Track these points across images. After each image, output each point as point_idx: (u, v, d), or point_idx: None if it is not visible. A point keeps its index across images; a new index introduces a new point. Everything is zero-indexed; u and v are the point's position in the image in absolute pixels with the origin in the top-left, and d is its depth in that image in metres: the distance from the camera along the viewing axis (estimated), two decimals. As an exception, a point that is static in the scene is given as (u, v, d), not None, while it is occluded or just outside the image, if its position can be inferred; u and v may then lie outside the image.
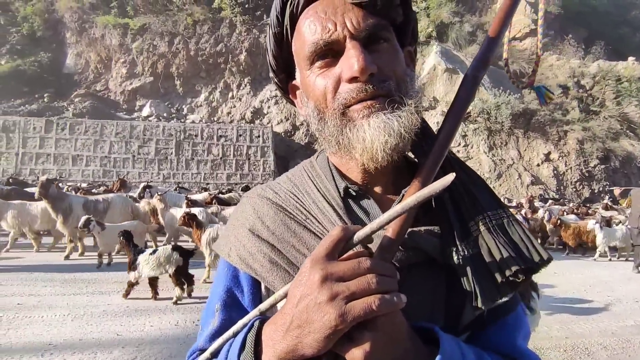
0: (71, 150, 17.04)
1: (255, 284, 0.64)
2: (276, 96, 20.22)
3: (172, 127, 17.96)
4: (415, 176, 0.57)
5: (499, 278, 0.52)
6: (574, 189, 18.25)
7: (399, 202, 0.60)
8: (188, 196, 9.63)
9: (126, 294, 4.83)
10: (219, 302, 0.65)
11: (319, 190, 0.65)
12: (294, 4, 0.62)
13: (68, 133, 17.16)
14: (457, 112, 0.59)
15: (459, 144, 18.45)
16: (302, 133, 19.55)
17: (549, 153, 18.67)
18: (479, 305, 0.53)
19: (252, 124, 19.36)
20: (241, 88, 20.70)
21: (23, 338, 3.68)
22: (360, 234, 0.48)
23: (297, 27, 0.62)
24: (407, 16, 0.64)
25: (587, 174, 18.43)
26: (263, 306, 0.55)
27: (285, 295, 0.51)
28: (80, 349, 3.51)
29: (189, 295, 4.91)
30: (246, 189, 10.83)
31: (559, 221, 8.74)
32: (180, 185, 15.20)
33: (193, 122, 19.27)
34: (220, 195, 11.02)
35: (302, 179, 0.69)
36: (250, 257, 0.62)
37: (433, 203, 0.60)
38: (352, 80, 0.56)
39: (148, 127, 17.86)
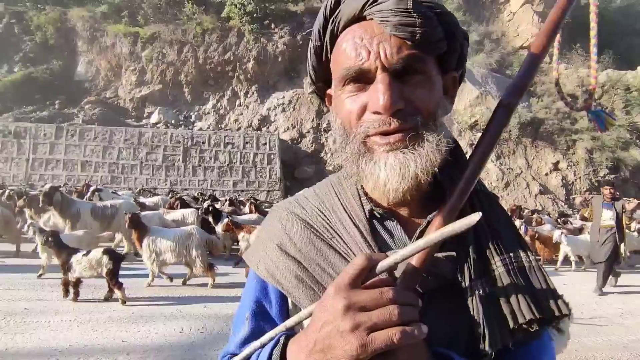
0: (80, 157, 17.25)
1: (282, 297, 0.66)
2: (283, 104, 20.35)
3: (179, 134, 18.12)
4: (442, 207, 0.56)
5: (511, 324, 0.52)
6: (583, 199, 18.02)
7: (423, 229, 0.60)
8: (138, 199, 9.68)
9: (65, 293, 4.97)
10: (248, 311, 0.68)
11: (345, 209, 0.66)
12: (336, 23, 0.62)
13: (78, 139, 17.39)
14: (487, 144, 0.56)
15: (466, 153, 18.27)
16: (309, 141, 19.61)
17: (558, 162, 18.51)
18: (486, 347, 0.52)
19: (258, 132, 19.47)
20: (248, 96, 20.88)
21: (30, 343, 3.70)
22: (383, 264, 0.49)
23: (336, 45, 0.63)
24: (450, 45, 0.61)
25: (596, 184, 18.19)
26: (289, 323, 0.57)
27: (310, 315, 0.53)
28: (86, 355, 3.52)
29: (111, 298, 4.98)
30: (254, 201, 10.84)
31: (536, 234, 8.55)
32: (153, 190, 15.30)
33: (200, 129, 19.43)
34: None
35: (329, 196, 0.70)
36: (277, 271, 0.64)
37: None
38: (377, 113, 0.57)
39: (156, 134, 18.05)
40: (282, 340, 0.56)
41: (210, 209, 7.67)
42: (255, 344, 0.59)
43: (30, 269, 6.20)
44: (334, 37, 0.63)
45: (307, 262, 0.63)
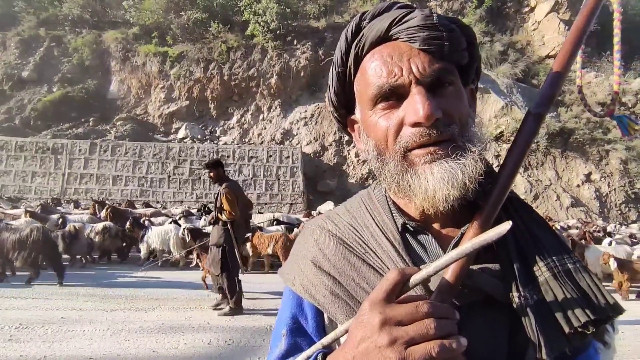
0: (112, 171, 17.97)
1: (318, 312, 0.66)
2: (305, 118, 20.60)
3: (205, 149, 18.61)
4: (475, 217, 0.56)
5: (566, 329, 0.50)
6: (619, 212, 17.19)
7: (457, 241, 0.60)
8: None
9: None
10: (285, 327, 0.68)
11: (377, 224, 0.66)
12: (359, 47, 0.63)
13: (110, 154, 18.15)
14: (518, 154, 0.57)
15: (493, 165, 17.95)
16: (331, 154, 19.70)
17: (590, 173, 17.80)
18: (543, 356, 0.51)
19: (281, 145, 19.74)
20: (272, 110, 21.27)
21: (66, 351, 3.84)
22: (416, 277, 0.49)
23: (361, 68, 0.64)
24: (471, 56, 0.64)
25: (632, 196, 17.37)
26: (325, 340, 0.57)
27: (346, 331, 0.53)
28: (119, 364, 3.62)
29: None
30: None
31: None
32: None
33: (225, 143, 19.89)
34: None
35: (360, 212, 0.70)
36: (313, 287, 0.64)
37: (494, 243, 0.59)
38: (416, 125, 0.57)
39: (183, 149, 18.61)
40: (319, 358, 0.56)
41: None
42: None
43: (66, 279, 6.46)
44: (358, 61, 0.64)
45: (341, 277, 0.63)
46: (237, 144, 19.60)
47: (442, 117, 0.56)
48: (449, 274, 0.52)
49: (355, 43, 0.64)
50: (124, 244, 8.87)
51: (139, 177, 18.03)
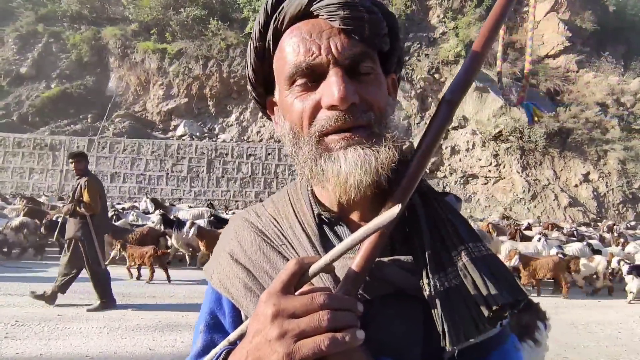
0: (110, 168, 17.92)
1: (235, 307, 0.63)
2: (304, 116, 20.57)
3: (204, 146, 18.57)
4: (384, 207, 0.54)
5: (485, 312, 0.49)
6: (617, 211, 17.24)
7: None
8: None
9: None
10: (202, 323, 0.66)
11: (296, 216, 0.64)
12: (279, 21, 0.60)
13: (108, 151, 18.10)
14: (430, 140, 0.55)
15: (490, 164, 17.93)
16: (330, 152, 19.68)
17: (588, 173, 17.82)
18: (447, 345, 0.49)
19: (280, 143, 19.67)
20: (271, 108, 21.22)
21: (62, 349, 3.83)
22: (314, 267, 0.48)
23: (280, 45, 0.60)
24: (393, 45, 0.62)
25: (630, 196, 17.42)
26: (231, 337, 0.55)
27: None
28: (115, 362, 3.61)
29: None
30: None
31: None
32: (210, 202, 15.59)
33: (224, 141, 19.85)
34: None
35: (283, 203, 0.68)
36: (228, 281, 0.62)
37: (407, 229, 0.58)
38: (332, 108, 0.54)
39: (181, 146, 18.56)
40: (223, 355, 0.55)
41: None
42: (205, 359, 0.58)
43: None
44: (278, 36, 0.60)
45: (256, 270, 0.61)
46: (236, 142, 19.56)
47: (359, 103, 0.55)
48: (354, 264, 0.50)
49: (275, 16, 0.60)
50: (43, 241, 8.56)
51: (137, 175, 17.99)
